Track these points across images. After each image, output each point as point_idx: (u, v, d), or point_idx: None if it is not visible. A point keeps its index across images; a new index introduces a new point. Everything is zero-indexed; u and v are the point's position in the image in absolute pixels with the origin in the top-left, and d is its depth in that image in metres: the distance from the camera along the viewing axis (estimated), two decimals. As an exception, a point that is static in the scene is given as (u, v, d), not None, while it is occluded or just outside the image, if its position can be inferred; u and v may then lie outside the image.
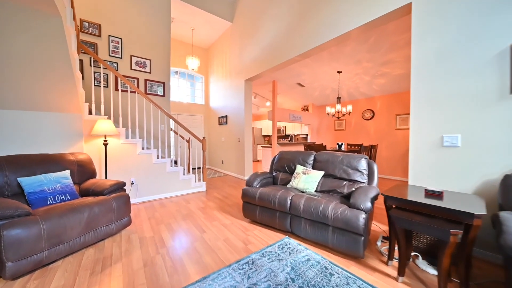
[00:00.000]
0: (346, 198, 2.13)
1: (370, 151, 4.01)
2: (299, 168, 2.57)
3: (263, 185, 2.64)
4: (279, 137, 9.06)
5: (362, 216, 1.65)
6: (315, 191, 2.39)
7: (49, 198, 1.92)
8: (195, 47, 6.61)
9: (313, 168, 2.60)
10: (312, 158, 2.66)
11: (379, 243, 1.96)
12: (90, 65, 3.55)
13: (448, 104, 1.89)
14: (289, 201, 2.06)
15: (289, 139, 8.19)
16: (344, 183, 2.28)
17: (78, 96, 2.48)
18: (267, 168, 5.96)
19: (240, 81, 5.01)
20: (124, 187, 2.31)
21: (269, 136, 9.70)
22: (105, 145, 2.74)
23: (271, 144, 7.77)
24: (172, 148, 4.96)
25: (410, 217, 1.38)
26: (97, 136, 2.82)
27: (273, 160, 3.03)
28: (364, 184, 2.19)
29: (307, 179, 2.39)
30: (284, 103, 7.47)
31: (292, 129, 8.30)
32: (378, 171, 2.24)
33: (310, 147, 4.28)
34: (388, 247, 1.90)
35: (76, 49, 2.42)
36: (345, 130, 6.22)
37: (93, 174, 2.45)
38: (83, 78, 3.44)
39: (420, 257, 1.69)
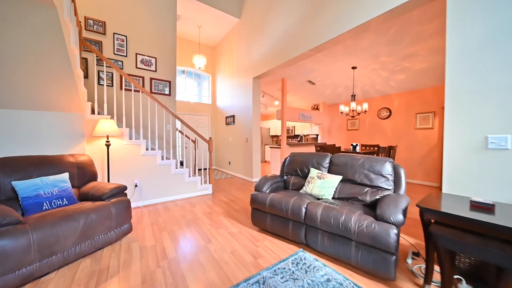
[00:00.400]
0: (370, 208, 1.88)
1: (388, 153, 3.70)
2: (314, 172, 2.33)
3: (274, 190, 2.43)
4: (287, 137, 8.81)
5: (393, 231, 1.40)
6: (333, 198, 2.14)
7: (44, 204, 1.79)
8: (202, 45, 6.48)
9: (329, 172, 2.35)
10: (327, 160, 2.41)
11: (409, 261, 1.69)
12: (96, 64, 3.46)
13: (495, 100, 1.59)
14: (304, 210, 1.84)
15: (298, 139, 7.90)
16: (366, 189, 2.02)
17: (79, 95, 2.36)
18: (275, 170, 5.73)
19: (248, 79, 4.81)
20: (125, 191, 2.17)
21: (277, 136, 9.45)
22: (108, 146, 2.62)
23: (279, 145, 7.53)
24: (178, 148, 4.83)
25: (459, 237, 1.12)
26: (99, 137, 2.71)
27: (283, 163, 2.80)
28: (389, 192, 1.92)
29: (323, 184, 2.15)
30: (293, 102, 7.21)
31: (301, 129, 8.01)
32: (405, 176, 1.97)
33: (323, 148, 4.01)
34: (421, 265, 1.63)
35: (76, 45, 2.30)
36: (359, 130, 5.89)
37: (94, 177, 2.32)
38: (87, 77, 3.36)
39: (464, 282, 1.41)
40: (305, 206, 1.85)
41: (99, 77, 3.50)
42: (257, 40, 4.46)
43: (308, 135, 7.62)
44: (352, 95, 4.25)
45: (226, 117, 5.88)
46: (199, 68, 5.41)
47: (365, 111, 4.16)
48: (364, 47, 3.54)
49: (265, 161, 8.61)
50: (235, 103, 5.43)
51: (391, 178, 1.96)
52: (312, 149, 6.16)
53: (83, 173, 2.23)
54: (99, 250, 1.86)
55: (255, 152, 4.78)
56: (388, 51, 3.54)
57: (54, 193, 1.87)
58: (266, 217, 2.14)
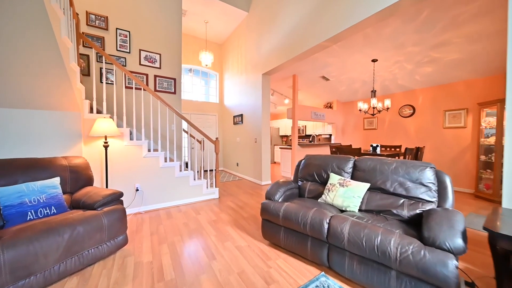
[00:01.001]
0: (408, 224, 1.53)
1: (416, 155, 3.28)
2: (334, 178, 2.00)
3: (287, 198, 2.12)
4: (298, 137, 8.43)
5: (452, 262, 1.06)
6: (359, 210, 1.81)
7: (29, 213, 1.59)
8: (209, 42, 6.26)
9: (353, 178, 2.01)
10: (350, 165, 2.07)
11: (464, 295, 1.33)
12: (97, 60, 3.31)
13: None
14: (326, 225, 1.52)
15: (310, 139, 7.52)
16: (401, 201, 1.67)
17: (74, 92, 2.17)
18: (286, 172, 5.40)
19: (257, 76, 4.52)
20: (121, 198, 1.94)
21: (287, 136, 9.10)
22: (106, 147, 2.41)
23: (289, 145, 7.19)
24: (183, 149, 4.63)
25: None
26: (97, 137, 2.51)
27: (297, 166, 2.49)
28: (432, 205, 1.57)
29: (346, 193, 1.82)
30: (304, 100, 6.84)
31: (313, 128, 7.61)
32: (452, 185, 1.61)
33: (339, 149, 3.64)
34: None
35: (69, 37, 2.10)
36: (377, 129, 5.43)
37: (89, 181, 2.12)
38: (88, 74, 3.20)
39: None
40: (327, 220, 1.53)
41: (101, 75, 3.34)
42: (267, 34, 4.16)
43: (320, 135, 7.22)
44: (372, 91, 3.85)
45: (234, 117, 5.62)
46: (206, 65, 5.19)
47: (387, 108, 3.75)
48: (387, 36, 3.15)
49: (274, 162, 8.29)
50: (244, 101, 5.16)
51: (433, 187, 1.60)
52: (325, 150, 5.77)
53: (76, 178, 2.02)
54: (90, 266, 1.63)
55: (264, 153, 4.48)
56: (415, 39, 3.13)
57: (41, 201, 1.67)
58: (280, 230, 1.83)
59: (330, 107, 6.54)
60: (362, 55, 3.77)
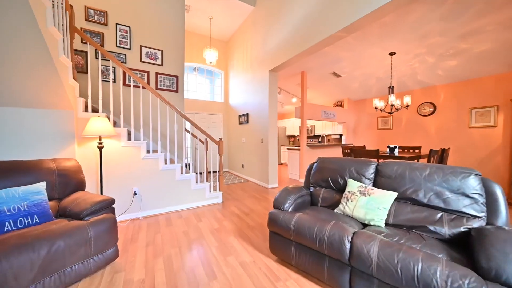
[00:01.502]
0: (449, 244, 1.25)
1: (441, 157, 2.94)
2: (353, 185, 1.73)
3: (298, 207, 1.86)
4: (307, 137, 8.11)
5: (531, 308, 0.78)
6: (386, 224, 1.53)
7: (7, 223, 1.41)
8: (214, 40, 6.07)
9: (375, 185, 1.74)
10: (372, 169, 1.79)
11: None
12: (96, 57, 3.16)
13: None
14: (348, 245, 1.26)
15: (319, 140, 7.20)
16: (439, 215, 1.38)
17: (65, 88, 2.00)
18: (294, 174, 5.12)
19: (264, 73, 4.28)
20: (112, 205, 1.75)
21: (294, 136, 8.80)
22: (100, 148, 2.24)
23: (297, 146, 6.91)
24: (186, 150, 4.45)
25: None
26: (92, 138, 2.34)
27: (309, 170, 2.23)
28: (481, 221, 1.27)
29: (369, 204, 1.55)
30: (313, 98, 6.54)
31: (321, 128, 7.27)
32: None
33: (354, 151, 3.34)
34: None
35: (57, 28, 1.92)
36: (392, 129, 5.07)
37: (80, 186, 1.94)
38: (86, 72, 3.05)
39: None
40: (349, 238, 1.27)
41: (102, 72, 3.18)
42: (275, 27, 3.91)
43: (330, 135, 6.89)
44: (389, 87, 3.53)
45: (239, 116, 5.40)
46: (210, 63, 4.99)
47: (407, 106, 3.41)
48: (409, 25, 2.83)
49: (281, 164, 8.01)
50: (249, 100, 4.93)
51: (481, 200, 1.31)
52: (337, 151, 5.44)
53: (65, 182, 1.84)
54: (74, 284, 1.44)
55: (271, 154, 4.23)
56: (442, 28, 2.79)
57: (23, 209, 1.49)
58: (290, 246, 1.58)
59: (341, 105, 6.21)
60: (379, 48, 3.45)
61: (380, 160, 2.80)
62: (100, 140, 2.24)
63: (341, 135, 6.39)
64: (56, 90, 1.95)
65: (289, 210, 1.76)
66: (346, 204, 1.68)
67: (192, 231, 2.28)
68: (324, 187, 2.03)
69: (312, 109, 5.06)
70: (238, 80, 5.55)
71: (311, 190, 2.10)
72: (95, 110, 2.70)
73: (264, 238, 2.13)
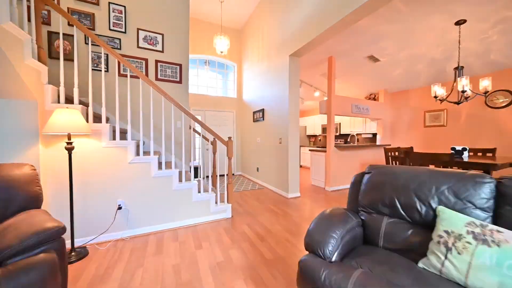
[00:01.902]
0: None
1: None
2: (455, 220, 0.95)
3: (347, 250, 1.13)
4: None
5: None
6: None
7: None
8: (226, 28, 5.48)
9: (499, 222, 0.94)
10: (487, 190, 1.00)
11: None
12: (86, 43, 2.70)
13: None
14: None
15: (347, 139, 6.25)
16: None
17: (18, 70, 1.49)
18: (318, 180, 4.30)
19: (283, 59, 3.56)
20: (59, 237, 1.17)
21: (315, 136, 7.91)
22: (69, 150, 1.71)
23: (320, 146, 6.05)
24: (194, 151, 3.90)
25: None
26: (61, 137, 1.83)
27: (354, 184, 1.47)
28: None
29: (500, 261, 0.76)
30: (340, 91, 5.64)
31: (350, 126, 6.26)
32: None
33: (411, 155, 2.45)
34: None
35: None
36: (446, 126, 4.02)
37: (31, 202, 1.40)
38: (72, 60, 2.60)
39: None
40: None
41: (91, 60, 2.72)
42: (295, 4, 3.17)
43: (360, 134, 5.92)
44: (456, 68, 2.59)
45: (254, 112, 4.74)
46: (221, 52, 4.37)
47: (486, 93, 2.45)
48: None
49: (301, 166, 7.16)
50: (266, 93, 4.24)
51: None
52: (372, 153, 4.49)
53: (7, 198, 1.31)
54: None
55: (292, 157, 3.50)
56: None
57: None
58: (341, 335, 0.85)
59: (375, 99, 5.24)
60: (441, 17, 2.54)
61: (495, 174, 1.92)
62: (69, 139, 1.71)
63: (374, 134, 5.41)
64: (6, 72, 1.44)
65: (334, 258, 1.03)
66: (447, 258, 0.90)
67: (185, 266, 1.64)
68: (386, 214, 1.26)
69: (342, 102, 4.21)
70: (252, 71, 4.89)
71: (363, 218, 1.34)
72: (84, 103, 2.21)
73: (287, 283, 1.42)
